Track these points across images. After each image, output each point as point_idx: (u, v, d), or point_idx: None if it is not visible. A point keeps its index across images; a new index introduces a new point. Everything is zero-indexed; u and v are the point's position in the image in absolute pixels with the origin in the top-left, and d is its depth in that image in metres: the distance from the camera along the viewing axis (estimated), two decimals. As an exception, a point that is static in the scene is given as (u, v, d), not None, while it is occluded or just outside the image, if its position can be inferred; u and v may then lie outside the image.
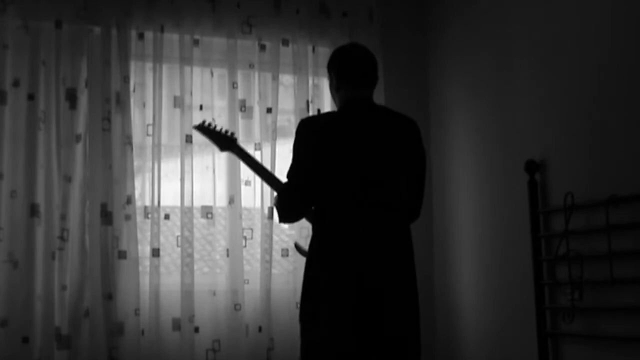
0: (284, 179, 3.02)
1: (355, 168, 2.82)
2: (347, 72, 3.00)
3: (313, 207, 2.92)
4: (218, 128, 3.41)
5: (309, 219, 3.10)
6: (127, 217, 3.89)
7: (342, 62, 3.04)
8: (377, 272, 2.75)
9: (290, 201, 2.92)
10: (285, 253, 4.20)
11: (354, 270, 2.74)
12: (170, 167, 4.01)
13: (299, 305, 4.01)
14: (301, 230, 4.10)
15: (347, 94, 2.97)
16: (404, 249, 2.84)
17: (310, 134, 2.89)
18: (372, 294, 2.73)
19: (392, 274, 2.78)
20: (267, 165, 4.14)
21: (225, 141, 3.39)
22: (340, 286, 2.74)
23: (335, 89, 3.03)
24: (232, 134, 3.40)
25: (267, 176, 3.38)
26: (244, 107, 4.23)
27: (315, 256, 2.84)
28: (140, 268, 3.90)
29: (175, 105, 4.11)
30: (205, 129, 3.43)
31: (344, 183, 2.81)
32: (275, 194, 3.27)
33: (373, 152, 2.85)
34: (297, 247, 3.55)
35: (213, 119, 3.45)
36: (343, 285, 2.73)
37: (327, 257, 2.79)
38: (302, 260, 4.00)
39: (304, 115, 4.22)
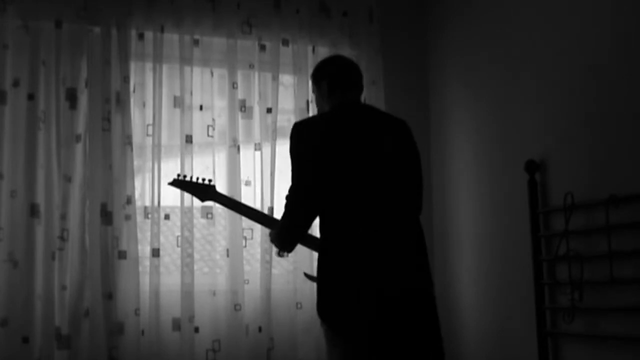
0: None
1: (359, 167, 2.78)
2: (339, 76, 3.01)
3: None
4: (194, 179, 3.34)
5: (306, 240, 3.09)
6: (127, 217, 3.89)
7: (333, 68, 3.06)
8: (399, 274, 2.73)
9: (300, 208, 2.84)
10: (284, 253, 4.18)
11: (374, 275, 2.70)
12: (170, 167, 4.00)
13: (299, 305, 4.06)
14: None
15: (339, 97, 2.97)
16: (419, 245, 2.83)
17: (309, 135, 2.85)
18: (394, 299, 2.70)
19: (413, 275, 2.77)
20: (267, 164, 4.15)
21: (204, 191, 3.33)
22: (361, 293, 2.69)
23: (326, 96, 3.01)
24: (210, 180, 3.33)
25: (255, 214, 3.34)
26: (244, 107, 4.23)
27: (332, 265, 2.77)
28: (140, 268, 3.90)
29: (175, 105, 4.11)
30: (181, 183, 3.36)
31: (350, 184, 2.78)
32: (268, 231, 3.22)
33: (373, 151, 2.82)
34: (307, 276, 3.53)
35: (185, 175, 3.39)
36: (364, 292, 2.69)
37: (344, 264, 2.74)
38: (302, 260, 4.02)
39: (304, 115, 4.22)
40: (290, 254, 4.13)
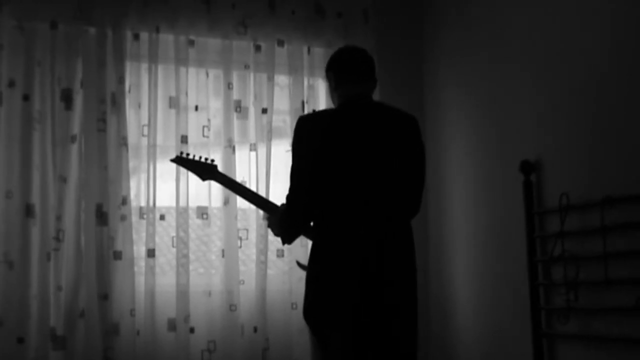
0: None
1: (357, 166, 2.80)
2: (347, 66, 2.99)
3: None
4: (197, 157, 3.32)
5: (307, 232, 3.09)
6: (123, 218, 3.89)
7: (342, 58, 3.03)
8: (381, 270, 2.74)
9: (300, 207, 2.87)
10: (280, 254, 4.19)
11: (358, 269, 2.72)
12: (165, 168, 3.99)
13: (294, 306, 4.07)
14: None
15: (347, 90, 2.94)
16: (407, 247, 2.84)
17: (311, 132, 2.86)
18: (376, 293, 2.73)
19: (395, 273, 2.78)
20: (262, 165, 4.15)
21: (205, 170, 3.30)
22: (343, 285, 2.72)
23: (334, 88, 3.01)
24: (212, 160, 3.31)
25: (255, 198, 3.34)
26: (239, 108, 4.23)
27: (319, 256, 2.81)
28: (136, 268, 3.90)
29: (170, 106, 4.11)
30: (183, 160, 3.34)
31: (347, 182, 2.79)
32: (267, 215, 3.24)
33: (375, 149, 2.83)
34: (300, 265, 3.53)
35: (188, 153, 3.37)
36: (347, 284, 2.72)
37: (330, 256, 2.78)
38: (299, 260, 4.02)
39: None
40: (285, 256, 4.17)
